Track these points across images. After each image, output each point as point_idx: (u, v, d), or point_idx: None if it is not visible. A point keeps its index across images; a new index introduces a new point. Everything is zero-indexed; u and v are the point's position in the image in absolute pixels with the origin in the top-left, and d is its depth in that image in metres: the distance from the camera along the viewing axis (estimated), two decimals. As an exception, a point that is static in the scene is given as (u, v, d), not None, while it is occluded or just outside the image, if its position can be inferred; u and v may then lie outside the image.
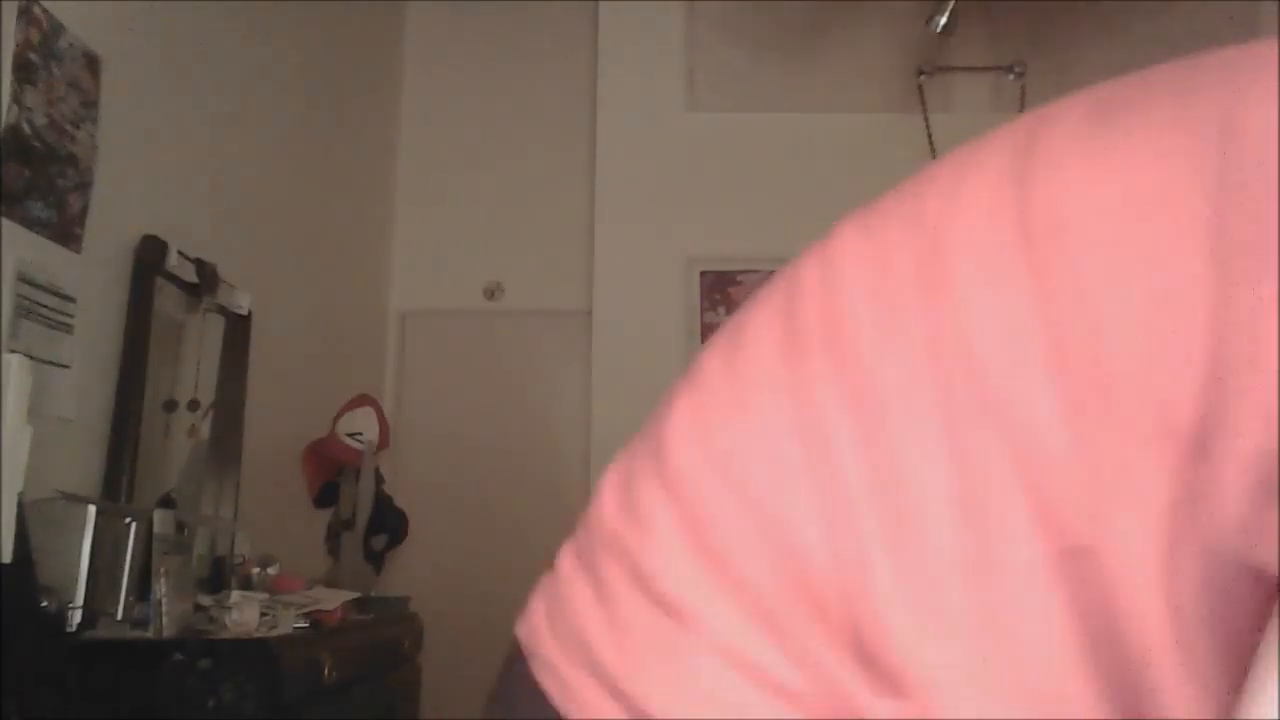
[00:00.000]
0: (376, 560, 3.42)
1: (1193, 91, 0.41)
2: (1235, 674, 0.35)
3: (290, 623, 2.13)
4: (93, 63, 2.17)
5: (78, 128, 2.11)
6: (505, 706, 0.51)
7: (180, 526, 2.31)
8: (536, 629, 0.51)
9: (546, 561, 0.56)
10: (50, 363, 2.00)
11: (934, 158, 0.53)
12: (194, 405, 2.66)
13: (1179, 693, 0.36)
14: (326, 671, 2.05)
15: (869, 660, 0.40)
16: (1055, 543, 0.38)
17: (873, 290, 0.45)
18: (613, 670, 0.45)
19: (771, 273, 0.54)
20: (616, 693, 0.44)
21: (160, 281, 2.42)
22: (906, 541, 0.40)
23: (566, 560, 0.52)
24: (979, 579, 0.39)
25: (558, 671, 0.47)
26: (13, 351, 1.80)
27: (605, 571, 0.48)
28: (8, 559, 1.57)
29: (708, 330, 3.88)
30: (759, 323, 0.49)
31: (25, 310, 1.93)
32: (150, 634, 1.90)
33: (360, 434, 3.24)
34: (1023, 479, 0.39)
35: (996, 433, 0.39)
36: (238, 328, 2.84)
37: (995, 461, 0.39)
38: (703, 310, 3.94)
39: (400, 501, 3.54)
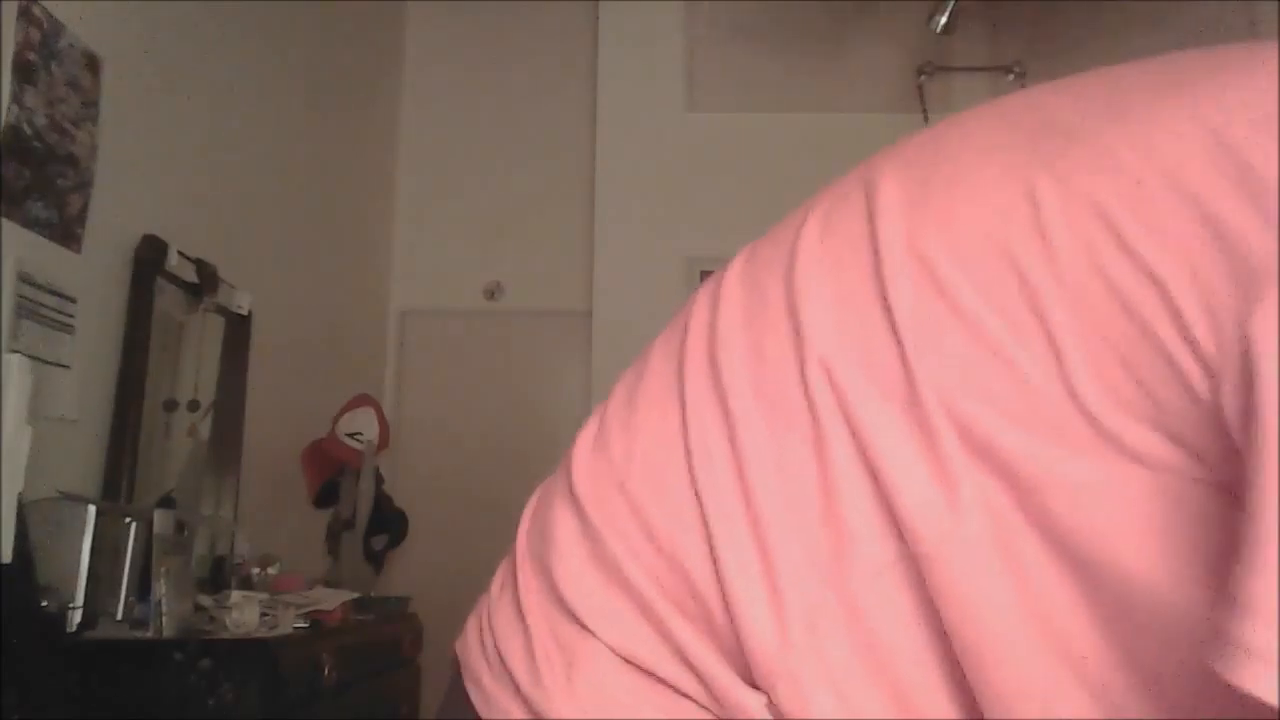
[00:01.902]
0: (376, 560, 3.42)
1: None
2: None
3: (290, 623, 2.13)
4: (93, 63, 2.17)
5: (78, 128, 2.11)
6: (446, 712, 0.55)
7: (180, 526, 2.31)
8: (468, 642, 0.55)
9: None
10: (50, 363, 2.00)
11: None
12: (194, 405, 2.66)
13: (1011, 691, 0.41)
14: (326, 671, 2.05)
15: (746, 660, 0.44)
16: (904, 547, 0.42)
17: (745, 315, 0.49)
18: (520, 676, 0.49)
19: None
20: (522, 697, 0.49)
21: (160, 281, 2.42)
22: (772, 544, 0.44)
23: (498, 575, 0.57)
24: (837, 579, 0.43)
25: (480, 679, 0.52)
26: (13, 351, 1.80)
27: (523, 584, 0.52)
28: (8, 559, 1.57)
29: (708, 330, 3.88)
30: (658, 353, 0.54)
31: (25, 310, 1.93)
32: (150, 634, 1.90)
33: (360, 434, 3.24)
34: (873, 489, 0.42)
35: (852, 448, 0.43)
36: (238, 328, 2.84)
37: (851, 472, 0.43)
38: (703, 310, 3.94)
39: (400, 501, 3.54)
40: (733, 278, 0.52)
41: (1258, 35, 2.72)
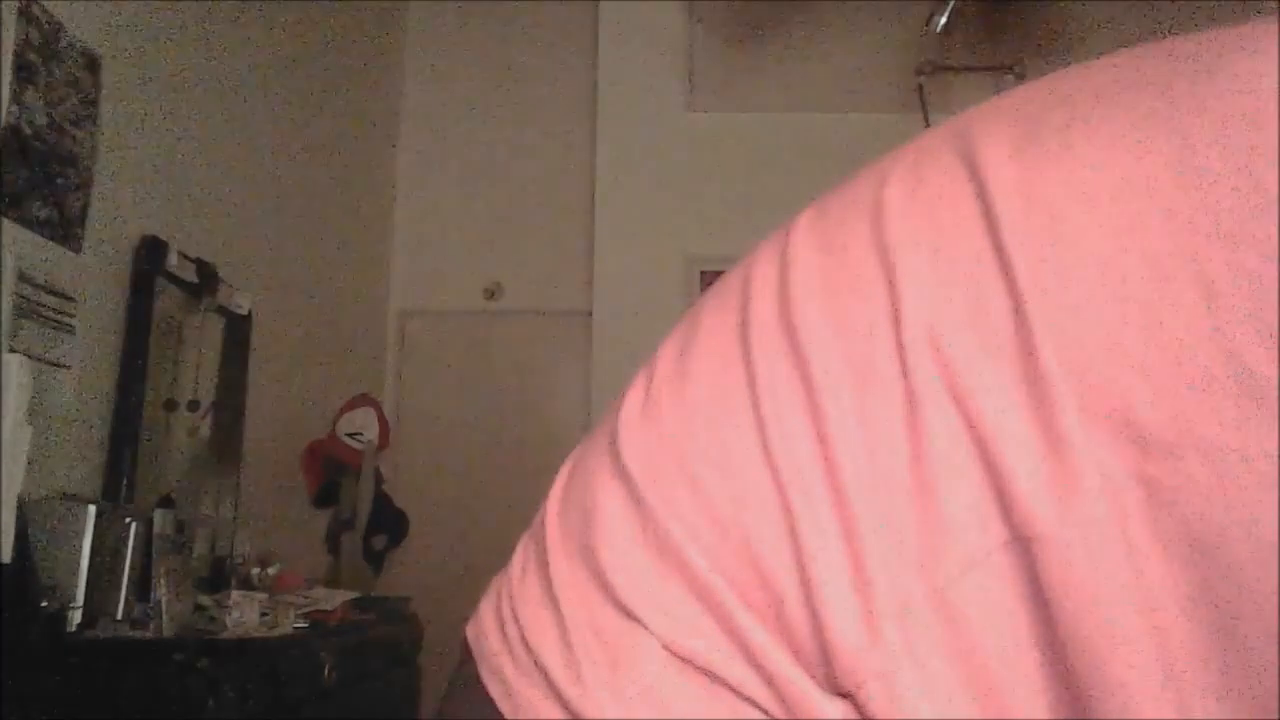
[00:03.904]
0: (376, 560, 3.42)
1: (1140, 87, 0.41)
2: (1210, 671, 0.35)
3: (290, 623, 2.13)
4: (93, 63, 2.17)
5: (78, 128, 2.11)
6: (454, 706, 0.50)
7: (180, 526, 2.31)
8: (484, 630, 0.49)
9: None
10: (50, 363, 2.00)
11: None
12: (194, 405, 2.66)
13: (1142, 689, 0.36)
14: (326, 671, 2.05)
15: (821, 659, 0.39)
16: (1009, 531, 0.38)
17: (824, 277, 0.44)
18: (554, 672, 0.43)
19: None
20: (556, 695, 0.43)
21: (160, 281, 2.42)
22: (861, 529, 0.39)
23: (518, 556, 0.51)
24: (927, 569, 0.39)
25: (502, 673, 0.46)
26: (13, 351, 1.80)
27: (555, 567, 0.46)
28: (8, 559, 1.57)
29: (708, 330, 3.88)
30: (712, 312, 0.49)
31: (25, 310, 1.93)
32: (150, 634, 1.90)
33: (360, 434, 3.24)
34: (981, 467, 0.38)
35: (958, 422, 0.39)
36: (238, 328, 2.85)
37: (953, 450, 0.39)
38: (703, 310, 3.95)
39: (400, 501, 3.54)
40: (801, 237, 0.47)
41: (1258, 35, 2.72)
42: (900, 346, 0.40)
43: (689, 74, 4.20)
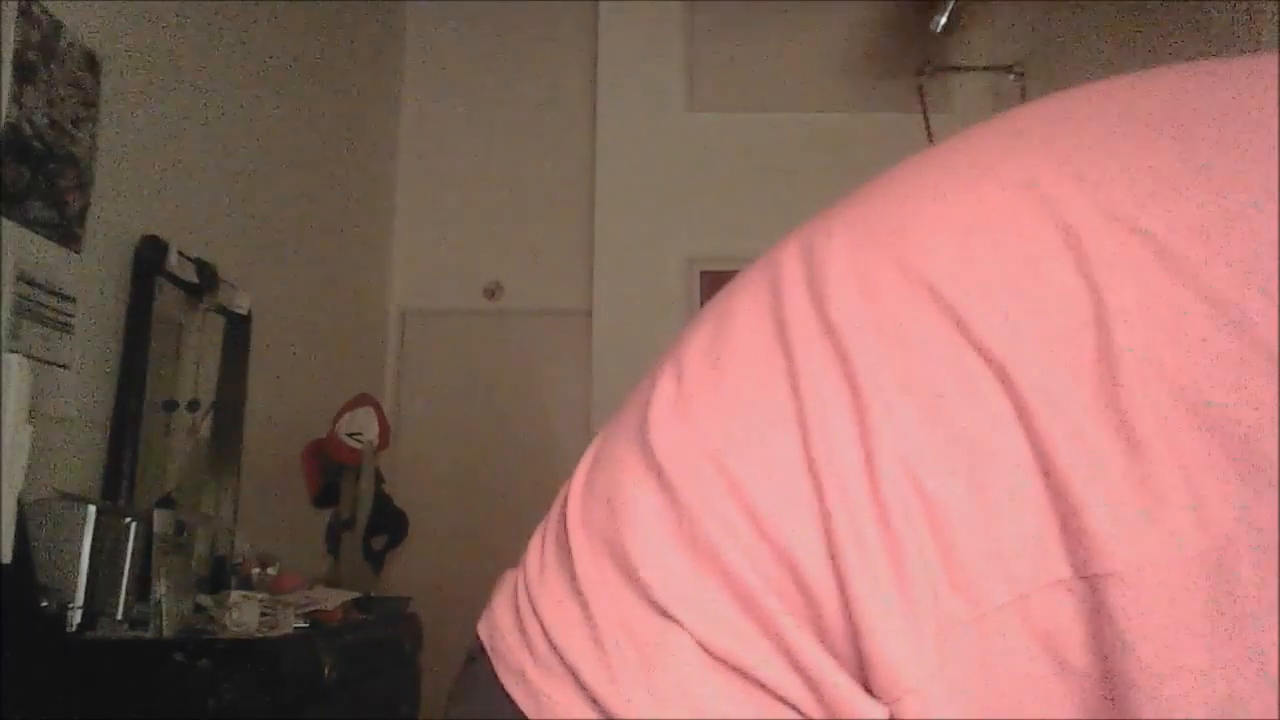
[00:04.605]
0: (376, 560, 3.42)
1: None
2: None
3: (290, 623, 2.13)
4: (93, 63, 2.17)
5: (78, 128, 2.11)
6: (467, 706, 0.48)
7: (180, 526, 2.31)
8: (499, 627, 0.48)
9: None
10: (50, 363, 2.00)
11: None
12: (194, 405, 2.66)
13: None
14: (326, 671, 2.05)
15: (858, 667, 0.39)
16: (1074, 568, 0.37)
17: (859, 278, 0.43)
18: (585, 671, 0.42)
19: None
20: (586, 693, 0.42)
21: (160, 281, 2.42)
22: (904, 552, 0.38)
23: (534, 551, 0.49)
24: (974, 593, 0.38)
25: (523, 673, 0.45)
26: (13, 351, 1.80)
27: (580, 562, 0.45)
28: (8, 559, 1.57)
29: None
30: (744, 308, 0.47)
31: (25, 310, 1.93)
32: (150, 634, 1.90)
33: (360, 434, 3.24)
34: (1047, 497, 0.37)
35: (1026, 448, 0.38)
36: (238, 328, 2.84)
37: (1017, 478, 0.38)
38: (703, 310, 3.95)
39: (400, 501, 3.54)
40: (839, 245, 0.46)
41: (1258, 34, 2.71)
42: (961, 363, 0.39)
43: (689, 74, 4.20)
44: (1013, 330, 0.39)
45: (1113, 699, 0.36)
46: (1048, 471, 0.37)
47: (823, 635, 0.39)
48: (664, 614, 0.41)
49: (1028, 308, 0.39)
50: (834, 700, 0.39)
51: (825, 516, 0.40)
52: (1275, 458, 0.34)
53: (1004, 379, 0.38)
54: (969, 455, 0.38)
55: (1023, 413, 0.38)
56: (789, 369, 0.43)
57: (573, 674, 0.43)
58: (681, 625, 0.41)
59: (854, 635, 0.38)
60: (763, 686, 0.40)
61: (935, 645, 0.37)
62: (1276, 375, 0.34)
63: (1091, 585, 0.36)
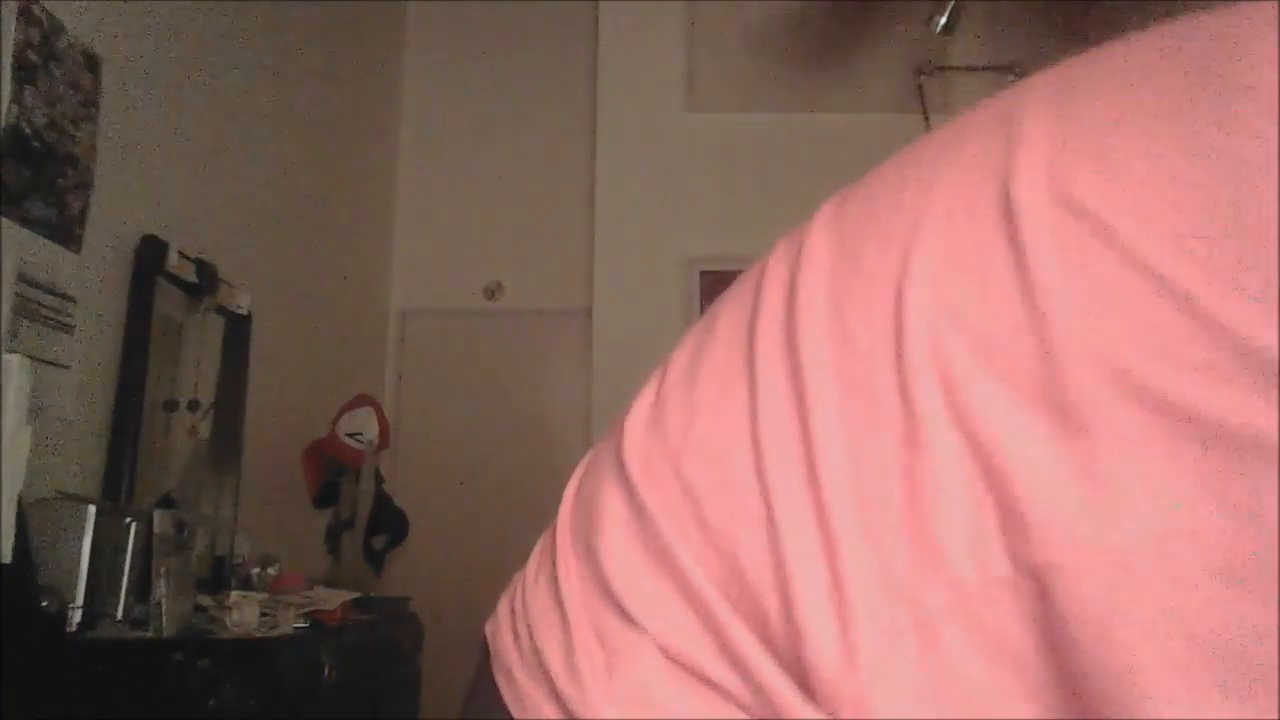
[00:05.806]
0: (376, 560, 3.42)
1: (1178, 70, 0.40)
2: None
3: (290, 623, 2.13)
4: (93, 63, 2.17)
5: (78, 128, 2.11)
6: (479, 707, 0.50)
7: (180, 526, 2.31)
8: (500, 627, 0.50)
9: None
10: (50, 363, 2.00)
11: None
12: (194, 405, 2.66)
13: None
14: (326, 671, 2.05)
15: (804, 669, 0.39)
16: (1016, 561, 0.36)
17: (831, 285, 0.43)
18: (555, 672, 0.44)
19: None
20: (556, 696, 0.44)
21: (160, 281, 2.42)
22: (843, 552, 0.39)
23: (534, 553, 0.51)
24: (912, 597, 0.38)
25: (511, 672, 0.47)
26: (13, 351, 1.80)
27: (563, 567, 0.47)
28: (8, 559, 1.57)
29: (708, 330, 3.89)
30: (726, 318, 0.48)
31: (25, 310, 1.93)
32: (150, 634, 1.90)
33: (360, 434, 3.24)
34: (987, 493, 0.36)
35: (961, 447, 0.37)
36: (238, 328, 2.84)
37: (951, 477, 0.37)
38: (703, 310, 3.94)
39: (400, 501, 3.54)
40: (818, 238, 0.46)
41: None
42: (900, 361, 0.39)
43: (689, 74, 4.20)
44: (955, 320, 0.39)
45: (1076, 694, 0.35)
46: (985, 467, 0.37)
47: (769, 641, 0.40)
48: (629, 620, 0.43)
49: (968, 295, 0.39)
50: (778, 704, 0.39)
51: (771, 524, 0.40)
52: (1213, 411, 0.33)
53: (944, 378, 0.38)
54: (904, 456, 0.38)
55: (953, 394, 0.38)
56: (750, 384, 0.44)
57: (547, 675, 0.44)
58: (644, 630, 0.43)
59: (797, 644, 0.39)
60: (715, 687, 0.41)
61: (878, 652, 0.38)
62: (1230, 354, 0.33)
63: (1034, 578, 0.35)
